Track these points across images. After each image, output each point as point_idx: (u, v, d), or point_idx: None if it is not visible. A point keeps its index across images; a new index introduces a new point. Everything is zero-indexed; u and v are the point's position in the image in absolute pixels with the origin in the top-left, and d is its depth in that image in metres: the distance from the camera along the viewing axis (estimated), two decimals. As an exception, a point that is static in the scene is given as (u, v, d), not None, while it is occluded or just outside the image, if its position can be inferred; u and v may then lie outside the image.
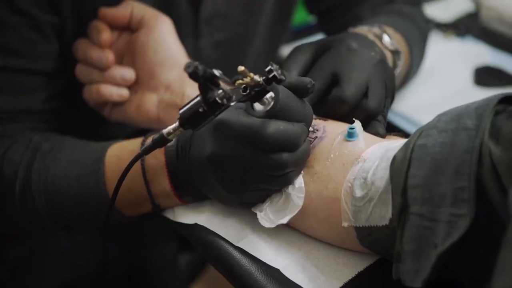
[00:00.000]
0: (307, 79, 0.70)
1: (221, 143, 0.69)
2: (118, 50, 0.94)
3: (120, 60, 0.94)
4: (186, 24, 1.01)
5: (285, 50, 1.33)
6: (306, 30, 1.49)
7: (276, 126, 0.67)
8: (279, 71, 0.64)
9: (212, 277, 1.75)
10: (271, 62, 0.65)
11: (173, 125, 0.68)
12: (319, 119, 0.77)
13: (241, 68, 0.64)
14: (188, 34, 1.02)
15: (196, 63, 0.61)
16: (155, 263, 1.34)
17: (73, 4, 0.90)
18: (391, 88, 0.82)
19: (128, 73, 0.92)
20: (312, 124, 0.74)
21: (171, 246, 1.40)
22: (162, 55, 0.91)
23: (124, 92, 0.92)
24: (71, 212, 0.84)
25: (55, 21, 0.90)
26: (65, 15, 0.91)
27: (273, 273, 0.71)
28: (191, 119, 0.66)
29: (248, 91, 0.66)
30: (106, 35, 0.91)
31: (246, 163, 0.68)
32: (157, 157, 0.79)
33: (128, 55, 0.94)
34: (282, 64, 0.81)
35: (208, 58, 1.07)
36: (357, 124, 0.73)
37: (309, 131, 0.72)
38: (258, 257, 0.73)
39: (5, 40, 0.87)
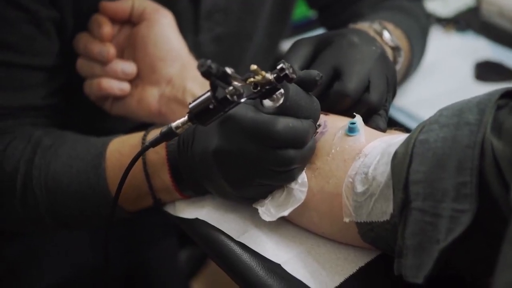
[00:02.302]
0: (314, 72, 0.70)
1: (228, 138, 0.69)
2: (119, 44, 0.94)
3: (121, 54, 0.94)
4: (186, 19, 1.01)
5: (286, 45, 1.32)
6: (307, 25, 1.49)
7: (285, 123, 0.67)
8: (291, 70, 0.65)
9: (212, 273, 1.75)
10: (282, 60, 0.65)
11: (182, 119, 0.68)
12: (320, 113, 0.77)
13: (253, 66, 0.64)
14: (188, 29, 1.01)
15: (209, 61, 0.61)
16: (155, 260, 1.34)
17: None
18: (393, 82, 0.82)
19: (129, 67, 0.92)
20: (314, 119, 0.75)
21: (170, 242, 1.40)
22: (163, 49, 0.91)
23: (125, 86, 0.92)
24: (72, 208, 0.84)
25: (55, 16, 0.90)
26: (66, 10, 0.90)
27: (274, 268, 0.71)
28: (200, 114, 0.66)
29: (258, 88, 0.66)
30: (107, 28, 0.91)
31: (252, 159, 0.68)
32: (158, 152, 0.79)
33: (129, 49, 0.94)
34: (283, 58, 0.81)
35: (208, 53, 1.06)
36: (358, 119, 0.73)
37: (316, 127, 0.72)
38: (259, 252, 0.73)
39: (5, 36, 0.86)
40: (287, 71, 0.64)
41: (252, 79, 0.66)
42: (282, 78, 0.65)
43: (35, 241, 1.15)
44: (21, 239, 1.14)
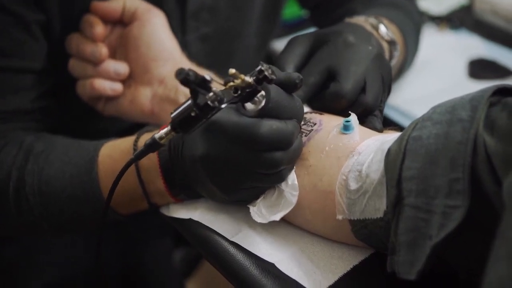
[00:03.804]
0: (295, 74, 0.70)
1: (213, 144, 0.68)
2: (111, 44, 0.93)
3: (113, 54, 0.94)
4: (173, 19, 1.00)
5: (276, 44, 1.33)
6: (298, 24, 1.49)
7: (268, 126, 0.66)
8: (270, 71, 0.64)
9: (207, 273, 1.75)
10: (261, 62, 0.64)
11: (165, 129, 0.67)
12: (316, 113, 0.77)
13: (232, 70, 0.63)
14: (175, 29, 1.01)
15: (187, 69, 0.60)
16: (150, 260, 1.34)
17: (60, 1, 0.90)
18: (388, 82, 0.82)
19: (121, 67, 0.92)
20: (309, 118, 0.74)
21: (165, 243, 1.40)
22: (155, 49, 0.90)
23: (118, 86, 0.92)
24: (66, 213, 0.84)
25: (41, 19, 0.89)
26: (52, 13, 0.90)
27: (268, 268, 0.71)
28: (183, 123, 0.65)
29: (239, 92, 0.66)
30: (99, 29, 0.91)
31: (239, 163, 0.68)
32: (150, 157, 0.78)
33: (121, 49, 0.94)
34: (278, 56, 0.81)
35: (196, 53, 1.06)
36: (353, 117, 0.73)
37: (300, 127, 0.72)
38: (253, 252, 0.73)
39: None
40: (266, 73, 0.63)
41: (232, 83, 0.65)
42: (262, 80, 0.64)
43: (31, 242, 1.15)
44: (16, 240, 1.14)
